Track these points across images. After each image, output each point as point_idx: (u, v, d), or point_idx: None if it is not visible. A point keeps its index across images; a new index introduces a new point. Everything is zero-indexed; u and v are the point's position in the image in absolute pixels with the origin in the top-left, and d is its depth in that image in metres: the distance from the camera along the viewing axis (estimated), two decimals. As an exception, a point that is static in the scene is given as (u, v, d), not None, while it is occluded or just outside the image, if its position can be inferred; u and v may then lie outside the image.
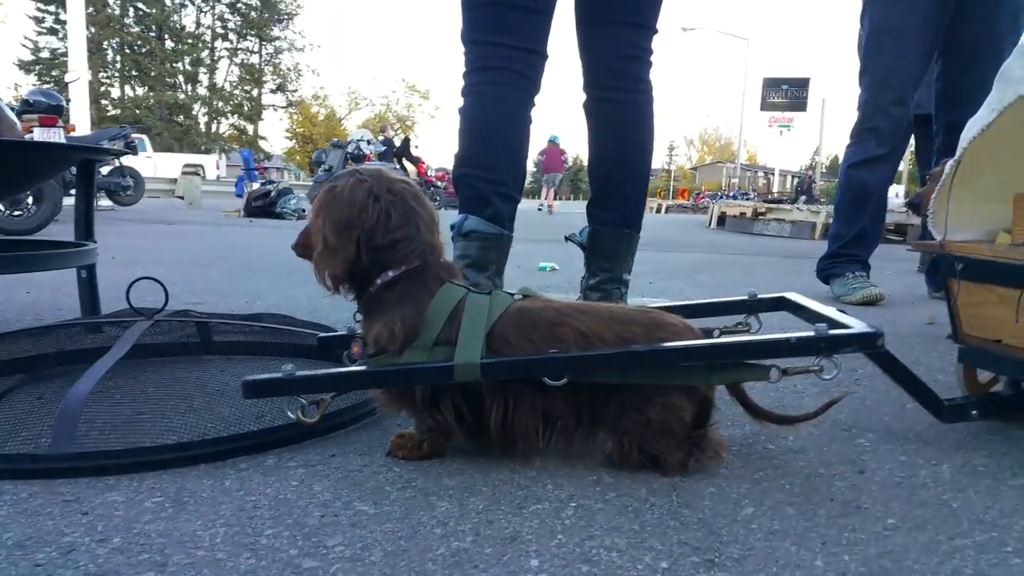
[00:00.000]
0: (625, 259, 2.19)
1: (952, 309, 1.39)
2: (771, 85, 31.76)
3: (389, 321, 1.17)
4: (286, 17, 44.94)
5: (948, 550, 0.93)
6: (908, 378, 1.26)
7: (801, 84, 31.77)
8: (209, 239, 6.19)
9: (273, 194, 10.95)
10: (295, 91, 46.45)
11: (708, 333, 1.50)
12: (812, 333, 1.10)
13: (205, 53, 43.33)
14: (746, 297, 1.52)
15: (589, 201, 2.21)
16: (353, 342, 1.24)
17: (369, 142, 14.92)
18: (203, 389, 1.55)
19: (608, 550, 0.91)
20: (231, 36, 44.50)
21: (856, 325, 1.14)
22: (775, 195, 27.47)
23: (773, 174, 38.03)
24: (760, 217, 10.25)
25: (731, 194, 27.16)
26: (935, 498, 1.09)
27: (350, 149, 14.41)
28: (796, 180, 32.52)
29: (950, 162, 1.47)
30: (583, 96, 2.15)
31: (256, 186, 13.27)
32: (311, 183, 15.62)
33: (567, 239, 2.29)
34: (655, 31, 2.08)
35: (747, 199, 22.94)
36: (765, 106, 31.77)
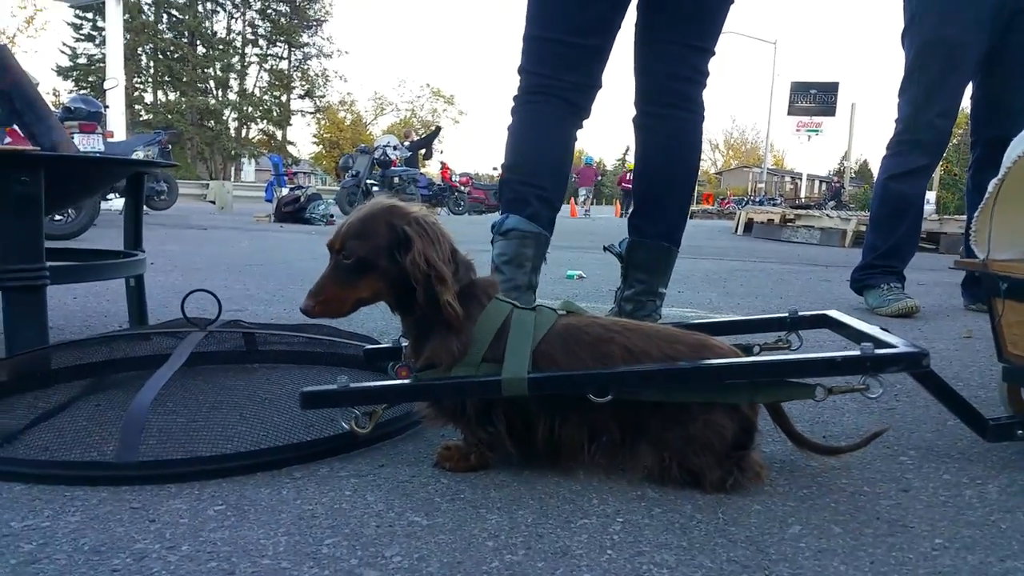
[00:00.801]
0: (663, 272, 2.21)
1: (996, 328, 1.39)
2: (799, 89, 31.48)
3: (447, 339, 1.20)
4: (315, 23, 45.45)
5: (999, 572, 0.93)
6: (952, 397, 1.26)
7: (830, 89, 31.45)
8: (242, 244, 6.29)
9: (303, 199, 11.10)
10: (323, 96, 46.94)
11: (748, 350, 1.52)
12: (858, 352, 1.12)
13: (236, 59, 43.93)
14: (787, 314, 1.53)
15: (631, 213, 2.24)
16: (399, 366, 1.27)
17: (395, 147, 15.05)
18: (252, 398, 1.60)
19: (659, 567, 0.93)
20: (261, 42, 45.07)
21: (901, 344, 1.15)
22: (803, 200, 27.19)
23: (801, 179, 37.66)
24: (788, 224, 10.17)
25: (757, 199, 26.94)
26: (983, 518, 1.10)
27: (377, 155, 14.55)
28: (824, 185, 32.18)
29: (994, 180, 1.48)
30: (633, 111, 2.18)
31: (286, 191, 13.44)
32: (338, 188, 15.79)
33: (606, 249, 2.31)
34: (713, 53, 2.11)
35: (774, 204, 22.74)
36: (793, 110, 31.50)
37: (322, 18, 45.66)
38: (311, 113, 47.39)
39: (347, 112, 49.78)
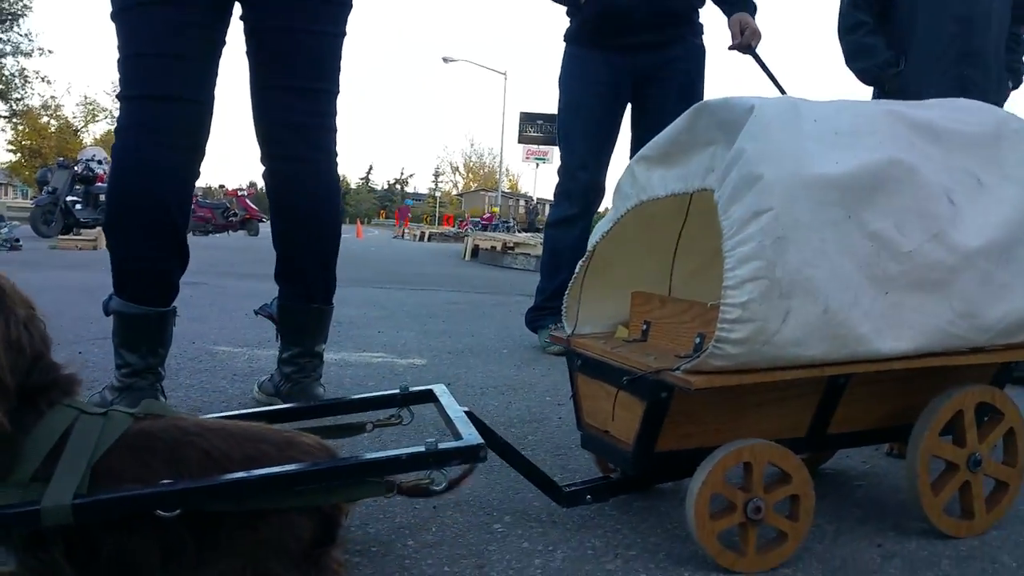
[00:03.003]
0: (316, 333, 2.14)
1: (574, 399, 1.55)
2: (527, 119, 33.62)
3: None
4: (10, 17, 39.73)
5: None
6: (528, 468, 1.38)
7: (554, 120, 33.91)
8: None
9: (-25, 223, 9.58)
10: (20, 99, 41.12)
11: (361, 427, 1.54)
12: (422, 448, 1.17)
13: (-97, 50, 36.99)
14: (398, 390, 1.57)
15: (275, 271, 2.13)
16: None
17: (101, 161, 13.63)
18: None
19: None
20: (-61, 33, 38.42)
21: (466, 435, 1.22)
22: (536, 222, 29.02)
23: (532, 202, 40.19)
24: (509, 251, 10.76)
25: (494, 223, 28.26)
26: (533, 593, 1.20)
27: (79, 169, 13.09)
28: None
29: (581, 260, 1.65)
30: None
31: (-43, 212, 11.54)
32: (33, 205, 13.92)
33: (256, 313, 2.22)
34: (334, 92, 2.03)
35: (507, 227, 24.00)
36: (523, 139, 33.54)
37: (19, 12, 39.99)
38: (5, 118, 41.28)
39: (52, 118, 44.14)
